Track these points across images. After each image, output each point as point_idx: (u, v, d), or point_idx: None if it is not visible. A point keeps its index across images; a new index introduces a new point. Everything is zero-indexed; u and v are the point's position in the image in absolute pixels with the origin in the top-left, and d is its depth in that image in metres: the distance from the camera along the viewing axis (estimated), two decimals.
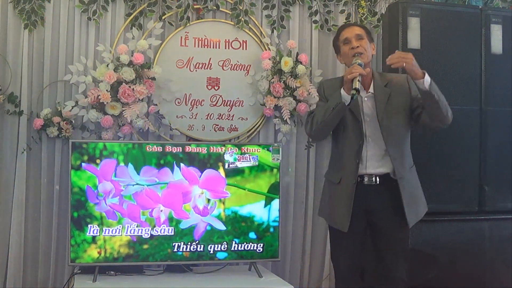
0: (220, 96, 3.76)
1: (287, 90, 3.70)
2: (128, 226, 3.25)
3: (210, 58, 3.74)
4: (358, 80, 2.68)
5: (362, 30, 2.94)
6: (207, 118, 3.74)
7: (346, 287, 2.94)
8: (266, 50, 3.75)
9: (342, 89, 2.73)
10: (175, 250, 3.32)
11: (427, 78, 2.65)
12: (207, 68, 3.74)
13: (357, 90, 2.65)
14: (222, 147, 3.40)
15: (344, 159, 2.88)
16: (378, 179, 2.85)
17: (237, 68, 3.78)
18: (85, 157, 3.21)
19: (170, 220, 3.31)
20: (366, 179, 2.85)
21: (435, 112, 2.74)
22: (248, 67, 3.80)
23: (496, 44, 3.63)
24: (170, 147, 3.33)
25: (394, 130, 2.84)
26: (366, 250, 2.96)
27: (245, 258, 3.44)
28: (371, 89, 2.87)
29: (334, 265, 3.03)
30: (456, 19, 3.53)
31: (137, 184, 3.25)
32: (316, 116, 2.84)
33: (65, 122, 3.45)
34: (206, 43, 3.74)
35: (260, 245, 3.43)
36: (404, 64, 2.63)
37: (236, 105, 3.79)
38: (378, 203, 2.86)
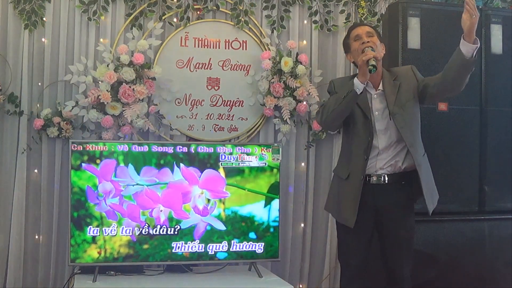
0: (220, 96, 3.77)
1: (287, 90, 3.70)
2: (128, 226, 3.25)
3: (210, 58, 3.74)
4: (374, 59, 2.71)
5: (372, 29, 2.98)
6: (207, 118, 3.74)
7: (353, 285, 2.94)
8: (266, 50, 3.75)
9: (355, 78, 2.76)
10: (175, 250, 3.33)
11: (478, 45, 2.62)
12: (207, 68, 3.74)
13: (374, 66, 2.69)
14: (222, 147, 3.40)
15: (353, 155, 2.91)
16: (386, 178, 2.87)
17: (237, 68, 3.78)
18: (85, 157, 3.21)
19: (170, 220, 3.31)
20: (374, 178, 2.87)
21: (462, 81, 2.74)
22: (248, 67, 3.80)
23: (496, 44, 3.63)
24: (170, 147, 3.33)
25: (407, 118, 2.87)
26: (372, 248, 2.97)
27: (245, 258, 3.44)
28: (380, 87, 2.90)
29: (341, 262, 3.04)
30: (456, 19, 3.46)
31: (137, 184, 3.26)
32: (328, 105, 2.87)
33: (65, 122, 3.45)
34: (206, 43, 3.74)
35: (260, 245, 3.43)
36: (473, 17, 2.56)
37: (236, 105, 3.79)
38: (386, 201, 2.88)
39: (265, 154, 3.44)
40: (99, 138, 3.51)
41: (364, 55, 2.74)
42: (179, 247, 3.33)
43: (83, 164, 3.21)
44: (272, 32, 3.81)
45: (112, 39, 3.59)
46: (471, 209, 3.59)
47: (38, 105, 3.49)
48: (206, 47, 3.74)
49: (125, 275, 3.28)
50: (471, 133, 3.59)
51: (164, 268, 3.41)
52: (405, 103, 2.87)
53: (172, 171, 3.30)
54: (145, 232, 3.28)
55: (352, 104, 2.81)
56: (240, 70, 3.79)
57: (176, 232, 3.32)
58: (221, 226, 3.37)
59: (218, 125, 3.76)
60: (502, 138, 3.63)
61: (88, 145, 3.23)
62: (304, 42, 3.87)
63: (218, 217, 3.37)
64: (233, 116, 3.78)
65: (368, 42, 2.87)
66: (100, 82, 3.42)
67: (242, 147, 3.42)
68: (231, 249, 3.39)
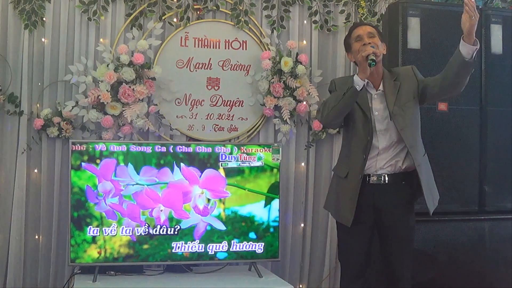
0: (220, 96, 3.77)
1: (287, 90, 3.70)
2: (128, 226, 3.25)
3: (210, 58, 3.74)
4: (373, 54, 2.72)
5: (374, 29, 2.98)
6: (207, 118, 3.74)
7: (353, 285, 2.94)
8: (266, 50, 3.75)
9: (355, 75, 2.77)
10: (175, 250, 3.33)
11: (477, 47, 2.63)
12: (207, 68, 3.74)
13: (374, 60, 2.70)
14: (222, 147, 3.40)
15: (352, 154, 2.91)
16: (386, 178, 2.87)
17: (237, 68, 3.78)
18: (85, 157, 3.21)
19: (170, 220, 3.31)
20: (374, 178, 2.88)
21: (461, 82, 2.76)
22: (248, 67, 3.80)
23: (496, 44, 3.63)
24: (170, 147, 3.33)
25: (407, 118, 2.87)
26: (372, 248, 2.97)
27: (245, 258, 3.44)
28: (380, 87, 2.90)
29: (341, 262, 3.04)
30: (456, 19, 3.47)
31: (137, 184, 3.26)
32: (328, 103, 2.88)
33: (65, 122, 3.46)
34: (206, 43, 3.74)
35: (260, 245, 3.43)
36: (473, 18, 2.57)
37: (236, 105, 3.79)
38: (386, 201, 2.88)
39: (264, 154, 3.44)
40: (99, 138, 3.51)
41: (363, 51, 2.75)
42: (179, 247, 3.33)
43: (83, 164, 3.21)
44: (272, 32, 3.81)
45: (112, 39, 3.59)
46: (471, 209, 3.59)
47: (38, 105, 3.49)
48: (206, 47, 3.74)
49: (125, 275, 3.28)
50: (471, 133, 3.59)
51: (164, 268, 3.41)
52: (405, 104, 2.87)
53: (172, 171, 3.30)
54: (145, 232, 3.28)
55: (352, 101, 2.81)
56: (240, 70, 3.79)
57: (176, 232, 3.32)
58: (221, 226, 3.37)
59: (218, 125, 3.76)
60: (502, 138, 3.64)
61: (88, 145, 3.23)
62: (304, 42, 3.87)
63: (218, 217, 3.37)
64: (233, 116, 3.78)
65: (369, 43, 2.87)
66: (100, 82, 3.42)
67: (242, 147, 3.43)
68: (231, 249, 3.39)
